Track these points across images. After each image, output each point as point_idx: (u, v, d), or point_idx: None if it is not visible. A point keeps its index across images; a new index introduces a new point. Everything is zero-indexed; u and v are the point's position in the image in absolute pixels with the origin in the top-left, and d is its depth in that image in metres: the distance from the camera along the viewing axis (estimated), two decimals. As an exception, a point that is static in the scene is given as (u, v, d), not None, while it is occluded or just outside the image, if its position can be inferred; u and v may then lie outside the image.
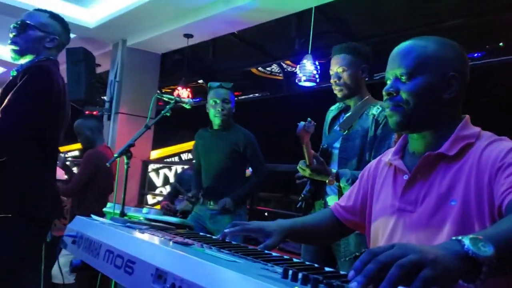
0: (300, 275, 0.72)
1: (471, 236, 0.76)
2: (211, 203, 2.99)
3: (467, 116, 1.21)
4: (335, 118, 2.40)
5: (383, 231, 1.24)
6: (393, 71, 1.18)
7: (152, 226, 1.41)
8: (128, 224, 1.29)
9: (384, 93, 1.20)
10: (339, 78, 2.22)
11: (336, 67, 2.24)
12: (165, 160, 8.78)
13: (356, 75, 2.24)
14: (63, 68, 6.36)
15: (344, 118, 2.31)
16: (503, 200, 0.99)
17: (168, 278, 0.80)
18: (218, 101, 2.97)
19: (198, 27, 5.29)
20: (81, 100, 6.11)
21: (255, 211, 4.49)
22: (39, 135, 1.95)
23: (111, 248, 1.02)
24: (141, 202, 6.21)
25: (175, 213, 4.08)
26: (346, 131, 2.24)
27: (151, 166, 6.80)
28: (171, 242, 1.00)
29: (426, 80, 1.14)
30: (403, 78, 1.16)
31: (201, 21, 5.06)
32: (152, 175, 7.11)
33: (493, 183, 1.04)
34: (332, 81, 2.26)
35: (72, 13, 5.65)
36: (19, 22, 2.04)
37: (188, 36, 5.60)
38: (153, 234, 1.16)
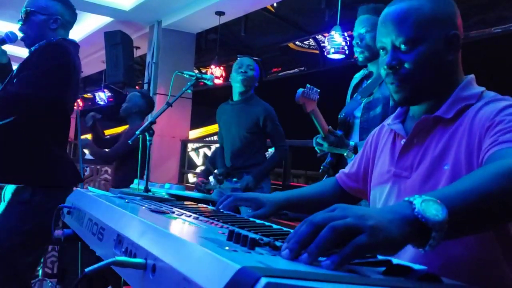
0: (241, 237, 0.71)
1: (425, 197, 0.70)
2: (235, 178, 3.03)
3: (471, 76, 1.13)
4: (357, 86, 2.33)
5: (379, 198, 1.20)
6: (389, 40, 1.07)
7: (149, 197, 1.44)
8: (120, 195, 1.32)
9: (385, 67, 1.08)
10: (361, 39, 2.12)
11: (359, 28, 2.15)
12: (205, 139, 8.95)
13: None
14: (102, 53, 6.59)
15: (365, 85, 2.24)
16: (483, 157, 0.93)
17: (124, 243, 0.81)
18: (242, 65, 3.02)
19: (228, 4, 5.27)
20: (120, 83, 6.30)
21: (288, 187, 4.48)
22: (51, 108, 2.02)
23: (91, 217, 1.05)
24: (181, 181, 6.37)
25: (208, 191, 4.14)
26: (366, 99, 2.17)
27: (191, 145, 6.93)
28: (143, 210, 1.02)
29: (429, 46, 1.05)
30: (403, 47, 1.06)
31: (231, -3, 5.04)
32: (192, 154, 7.25)
33: (482, 144, 0.97)
34: (354, 42, 2.19)
35: (107, -3, 5.79)
36: (22, 11, 2.10)
37: (220, 13, 5.59)
38: (138, 204, 1.18)
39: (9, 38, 2.14)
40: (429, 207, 0.69)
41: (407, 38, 1.05)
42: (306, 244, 0.65)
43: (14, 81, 1.98)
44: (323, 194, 1.43)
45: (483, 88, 1.10)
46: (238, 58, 3.15)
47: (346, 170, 1.42)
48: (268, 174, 3.11)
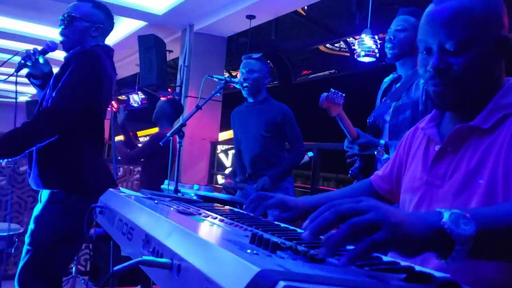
0: (263, 240, 0.72)
1: (456, 211, 0.70)
2: (255, 180, 3.07)
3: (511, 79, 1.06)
4: (387, 90, 2.33)
5: (409, 204, 1.16)
6: (436, 40, 1.00)
7: (178, 199, 1.47)
8: (150, 196, 1.36)
9: (430, 69, 1.01)
10: (395, 36, 2.14)
11: (395, 26, 2.16)
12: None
13: (414, 40, 2.14)
14: (136, 56, 6.73)
15: (394, 89, 2.24)
16: None
17: (151, 243, 0.84)
18: (243, 71, 3.03)
19: (259, 7, 5.29)
20: (153, 85, 6.43)
21: (317, 191, 4.46)
22: (86, 117, 2.08)
23: (121, 217, 1.09)
24: (210, 182, 6.43)
25: (235, 191, 4.18)
26: (395, 103, 2.16)
27: (220, 147, 6.99)
28: (171, 212, 1.05)
29: (481, 49, 0.98)
30: (453, 50, 0.98)
31: (262, 1, 5.06)
32: (221, 155, 7.31)
33: None
34: (387, 38, 2.19)
35: (141, 1, 5.91)
36: (65, 15, 2.17)
37: (250, 17, 5.63)
38: (167, 205, 1.22)
39: (50, 48, 2.23)
40: (458, 220, 0.69)
41: (459, 40, 0.97)
42: (326, 230, 0.67)
43: (52, 93, 2.04)
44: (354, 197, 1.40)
45: None
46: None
47: (380, 172, 1.38)
48: (286, 175, 3.10)
